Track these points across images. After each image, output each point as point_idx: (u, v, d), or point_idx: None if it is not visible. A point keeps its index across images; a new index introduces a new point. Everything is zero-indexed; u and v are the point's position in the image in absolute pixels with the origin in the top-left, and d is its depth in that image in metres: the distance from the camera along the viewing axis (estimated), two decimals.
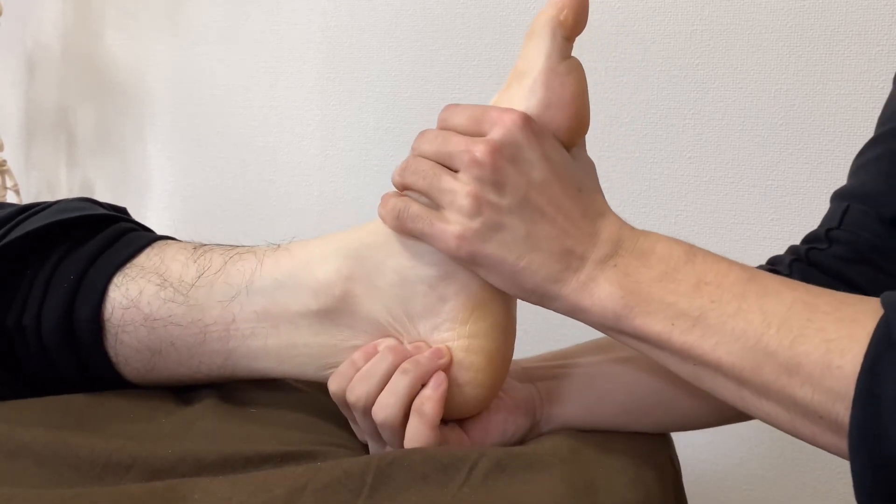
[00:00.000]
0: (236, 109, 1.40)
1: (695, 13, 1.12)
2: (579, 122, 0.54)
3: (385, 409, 0.54)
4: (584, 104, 0.54)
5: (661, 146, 1.15)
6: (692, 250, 0.51)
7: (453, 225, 0.51)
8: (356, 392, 0.55)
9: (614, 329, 0.51)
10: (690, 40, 1.13)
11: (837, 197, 0.68)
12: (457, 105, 0.54)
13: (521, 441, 0.59)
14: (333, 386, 0.57)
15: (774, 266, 0.68)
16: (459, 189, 0.50)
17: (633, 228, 0.53)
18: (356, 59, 1.31)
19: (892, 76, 0.70)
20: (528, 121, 0.51)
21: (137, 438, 0.54)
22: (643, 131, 1.15)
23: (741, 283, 0.48)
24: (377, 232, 0.56)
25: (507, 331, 0.56)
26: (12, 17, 1.42)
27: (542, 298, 0.52)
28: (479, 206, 0.50)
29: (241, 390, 0.64)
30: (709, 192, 1.13)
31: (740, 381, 0.47)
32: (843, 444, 0.43)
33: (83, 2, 1.50)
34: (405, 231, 0.53)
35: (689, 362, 0.49)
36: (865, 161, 0.66)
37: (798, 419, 0.46)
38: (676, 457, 0.66)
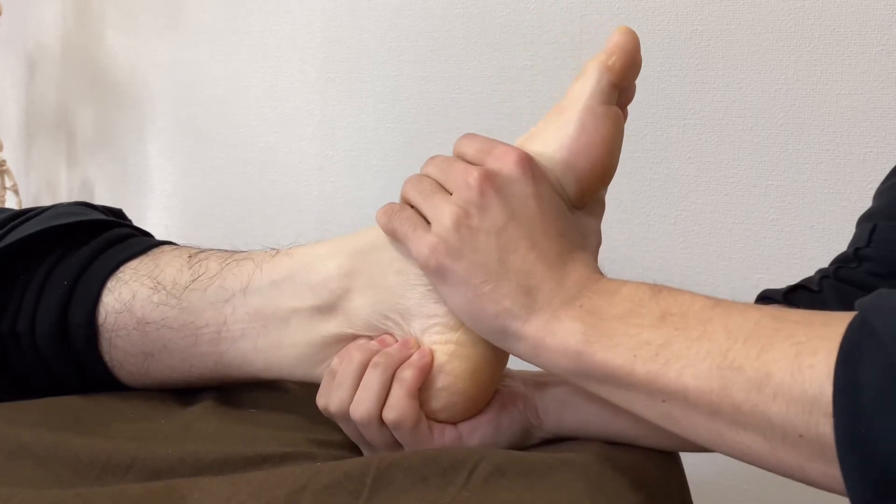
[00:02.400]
0: (236, 109, 1.40)
1: (695, 13, 1.12)
2: (602, 168, 0.54)
3: (360, 405, 0.54)
4: (610, 153, 0.55)
5: (661, 146, 1.15)
6: (658, 287, 0.50)
7: (431, 236, 0.52)
8: (333, 400, 0.55)
9: (577, 371, 0.49)
10: (690, 40, 1.12)
11: (864, 219, 0.67)
12: (473, 136, 0.55)
13: (518, 442, 0.58)
14: (319, 401, 0.57)
15: (806, 286, 0.68)
16: (446, 207, 0.52)
17: (602, 274, 0.52)
18: (356, 59, 1.31)
19: None
20: (528, 160, 0.52)
21: (137, 439, 0.54)
22: (643, 131, 1.15)
23: (706, 310, 0.46)
24: (385, 234, 0.57)
25: (497, 349, 0.55)
26: (12, 17, 1.42)
27: (503, 334, 0.51)
28: (458, 224, 0.51)
29: (240, 391, 0.64)
30: (709, 193, 1.13)
31: (711, 410, 0.44)
32: (833, 469, 0.39)
33: (83, 2, 1.50)
34: (390, 230, 0.55)
35: (657, 397, 0.46)
36: (892, 184, 0.66)
37: (779, 447, 0.42)
38: (680, 459, 0.66)
